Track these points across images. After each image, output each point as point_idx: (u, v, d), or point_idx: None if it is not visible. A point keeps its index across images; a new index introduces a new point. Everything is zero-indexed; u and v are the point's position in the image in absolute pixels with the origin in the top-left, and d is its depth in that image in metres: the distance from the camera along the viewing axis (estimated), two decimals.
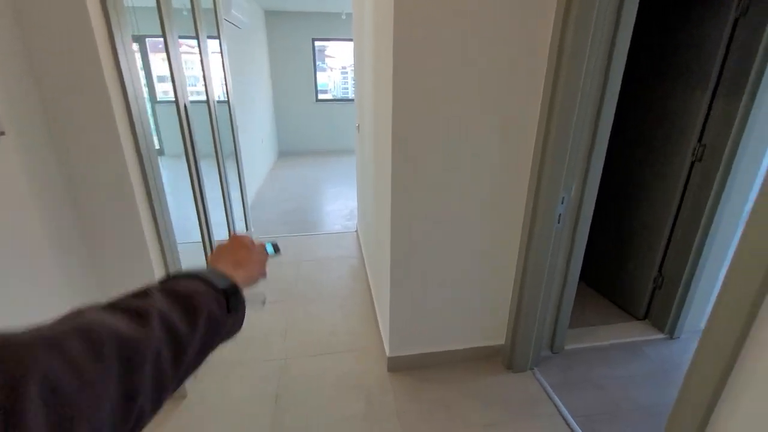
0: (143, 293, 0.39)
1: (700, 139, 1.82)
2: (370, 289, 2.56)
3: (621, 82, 1.50)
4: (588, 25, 1.32)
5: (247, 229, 3.20)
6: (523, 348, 1.84)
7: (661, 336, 2.12)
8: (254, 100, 4.89)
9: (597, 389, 1.80)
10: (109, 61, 1.23)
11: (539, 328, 1.82)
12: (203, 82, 2.35)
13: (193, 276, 0.45)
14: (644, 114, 2.07)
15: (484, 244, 1.73)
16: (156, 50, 1.76)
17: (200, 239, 2.16)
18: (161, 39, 1.76)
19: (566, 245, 1.75)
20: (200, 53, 2.29)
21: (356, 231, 3.55)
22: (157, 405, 0.34)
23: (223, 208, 2.62)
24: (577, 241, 1.74)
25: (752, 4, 1.57)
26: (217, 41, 2.71)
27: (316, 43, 6.44)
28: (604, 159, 1.62)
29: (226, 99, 2.88)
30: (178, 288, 0.42)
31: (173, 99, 1.86)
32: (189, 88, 2.05)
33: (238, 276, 0.50)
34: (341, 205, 4.34)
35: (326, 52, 6.84)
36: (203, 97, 2.38)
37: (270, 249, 0.65)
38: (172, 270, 1.56)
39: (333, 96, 7.09)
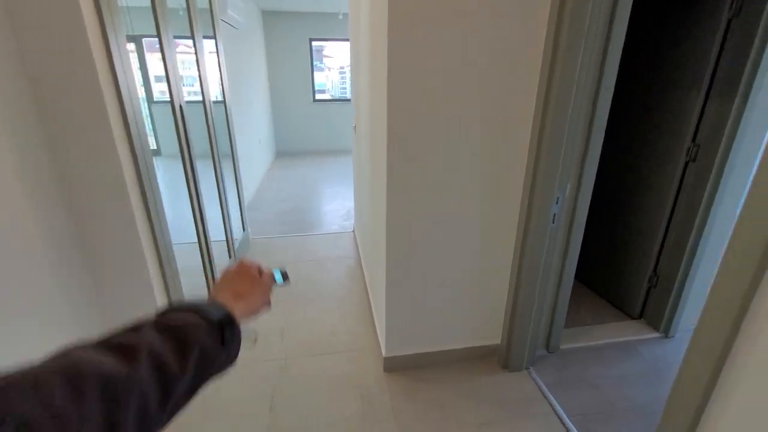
0: (134, 328, 0.39)
1: (693, 139, 1.83)
2: (366, 290, 2.56)
3: (616, 78, 1.51)
4: (583, 16, 1.31)
5: (243, 230, 3.20)
6: (518, 347, 1.85)
7: (656, 335, 2.13)
8: (251, 100, 4.88)
9: (592, 388, 1.81)
10: (103, 61, 1.23)
11: (535, 327, 1.83)
12: (199, 83, 2.35)
13: (188, 308, 0.45)
14: (639, 114, 2.08)
15: (480, 244, 1.73)
16: (153, 50, 1.76)
17: (196, 240, 2.16)
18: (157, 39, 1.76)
19: (561, 245, 1.75)
20: (196, 53, 2.29)
21: (353, 231, 3.56)
22: None
23: (219, 209, 2.62)
24: (572, 241, 1.75)
25: (745, 5, 1.58)
26: (213, 41, 2.71)
27: (314, 43, 6.44)
28: (598, 158, 1.62)
29: (223, 99, 2.88)
30: (171, 321, 0.42)
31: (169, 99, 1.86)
32: (186, 89, 2.05)
33: (237, 307, 0.49)
34: (338, 205, 4.34)
35: (324, 52, 6.84)
36: (200, 98, 2.37)
37: (278, 278, 0.62)
38: (167, 269, 1.56)
39: (331, 96, 7.09)
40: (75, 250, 1.33)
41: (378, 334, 2.09)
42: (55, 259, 1.24)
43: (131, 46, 1.79)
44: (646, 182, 2.07)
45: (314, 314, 2.35)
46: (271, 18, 6.11)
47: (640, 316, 2.23)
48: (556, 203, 1.58)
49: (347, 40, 6.07)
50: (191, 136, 2.01)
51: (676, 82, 1.87)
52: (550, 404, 1.71)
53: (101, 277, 1.41)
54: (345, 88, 7.08)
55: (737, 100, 1.64)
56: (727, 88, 1.67)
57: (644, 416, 1.66)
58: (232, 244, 2.77)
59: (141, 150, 1.40)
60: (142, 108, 1.49)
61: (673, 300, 2.04)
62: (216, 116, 2.54)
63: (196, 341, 0.41)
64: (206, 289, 2.24)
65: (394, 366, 1.90)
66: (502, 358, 1.92)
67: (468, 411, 1.69)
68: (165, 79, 1.83)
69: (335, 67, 7.06)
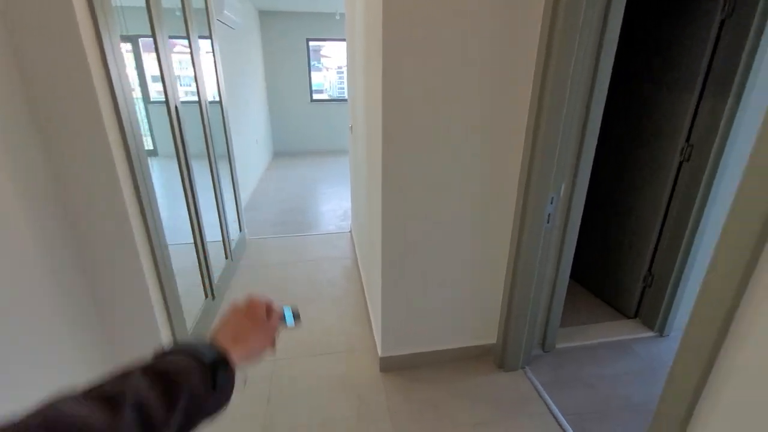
0: (123, 375, 0.39)
1: (687, 139, 1.84)
2: (363, 290, 2.57)
3: (610, 75, 1.51)
4: (578, 10, 1.31)
5: (240, 230, 3.19)
6: (514, 347, 1.85)
7: (651, 334, 2.14)
8: (248, 100, 4.88)
9: (588, 387, 1.81)
10: (96, 62, 1.23)
11: (530, 326, 1.83)
12: (195, 83, 2.35)
13: (183, 350, 0.44)
14: (633, 114, 2.09)
15: (476, 243, 1.74)
16: (150, 50, 1.76)
17: (192, 240, 2.15)
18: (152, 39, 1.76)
19: (556, 244, 1.76)
20: (191, 54, 2.28)
21: (350, 231, 3.56)
22: None
23: (216, 209, 2.62)
24: (567, 241, 1.76)
25: (737, 6, 1.59)
26: (209, 41, 2.70)
27: (311, 43, 6.44)
28: (593, 158, 1.63)
29: (219, 99, 2.88)
30: (161, 366, 0.41)
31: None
32: (183, 89, 2.04)
33: (235, 350, 0.48)
34: (336, 205, 4.34)
35: (322, 52, 6.84)
36: (196, 98, 2.37)
37: (289, 318, 0.57)
38: (162, 270, 1.56)
39: (329, 96, 7.08)
40: (68, 251, 1.33)
41: (374, 334, 2.09)
42: (48, 260, 1.23)
43: (128, 46, 1.79)
44: (641, 182, 2.08)
45: (311, 314, 2.35)
46: (268, 18, 6.10)
47: (635, 316, 2.24)
48: (551, 203, 1.59)
49: (344, 40, 6.08)
50: (187, 136, 2.01)
51: (669, 83, 1.88)
52: (546, 404, 1.72)
53: (94, 278, 1.41)
54: (342, 88, 7.07)
55: (730, 100, 1.65)
56: (721, 88, 1.68)
57: (639, 415, 1.67)
58: (229, 244, 2.76)
59: (135, 150, 1.40)
60: (139, 108, 1.48)
61: (668, 299, 2.05)
62: (213, 116, 2.54)
63: (186, 386, 0.41)
64: (202, 288, 2.24)
65: (390, 366, 1.90)
66: (497, 357, 1.92)
67: (463, 411, 1.69)
68: (160, 79, 1.83)
69: (333, 67, 7.06)
